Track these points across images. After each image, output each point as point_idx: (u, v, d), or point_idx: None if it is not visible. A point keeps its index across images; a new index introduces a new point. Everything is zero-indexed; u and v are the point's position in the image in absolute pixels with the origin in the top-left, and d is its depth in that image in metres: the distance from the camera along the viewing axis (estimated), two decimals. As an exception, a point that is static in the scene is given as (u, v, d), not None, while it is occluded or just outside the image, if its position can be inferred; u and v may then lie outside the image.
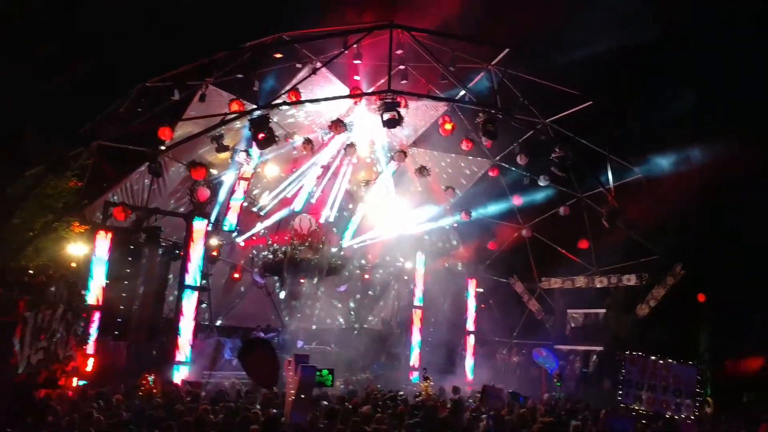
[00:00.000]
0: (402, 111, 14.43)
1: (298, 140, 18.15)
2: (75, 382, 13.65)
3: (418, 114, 17.27)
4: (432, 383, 16.50)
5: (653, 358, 14.93)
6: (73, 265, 15.34)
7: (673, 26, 17.35)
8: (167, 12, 15.04)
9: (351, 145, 18.30)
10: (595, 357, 20.03)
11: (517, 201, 19.89)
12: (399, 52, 14.64)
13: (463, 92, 15.92)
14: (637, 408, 13.98)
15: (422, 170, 19.17)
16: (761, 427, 11.29)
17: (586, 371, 20.04)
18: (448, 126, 16.23)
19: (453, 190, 20.08)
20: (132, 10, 14.65)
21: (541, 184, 18.26)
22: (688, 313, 18.26)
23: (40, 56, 13.16)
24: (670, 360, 14.97)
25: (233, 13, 16.16)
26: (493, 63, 15.86)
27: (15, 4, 13.01)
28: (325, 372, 11.87)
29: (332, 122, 16.46)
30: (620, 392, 14.40)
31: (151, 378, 13.46)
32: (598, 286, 20.83)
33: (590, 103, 16.30)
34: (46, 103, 13.45)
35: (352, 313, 23.68)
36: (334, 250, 21.78)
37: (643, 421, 12.57)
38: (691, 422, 13.87)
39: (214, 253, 19.09)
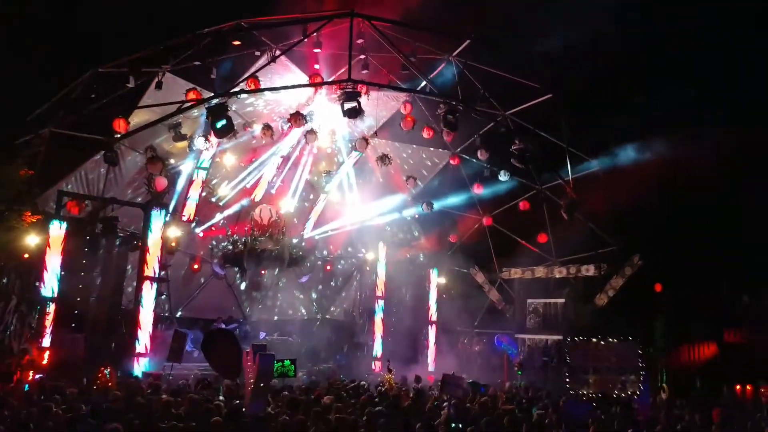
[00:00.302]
0: (363, 101, 14.36)
1: (257, 129, 17.92)
2: (31, 375, 13.29)
3: (379, 104, 17.20)
4: (394, 375, 16.60)
5: (594, 340, 15.00)
6: (26, 256, 14.88)
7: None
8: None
9: (311, 132, 18.04)
10: (554, 346, 20.40)
11: (478, 189, 20.00)
12: (360, 41, 14.58)
13: (424, 83, 15.95)
14: (585, 392, 14.05)
15: (384, 158, 19.08)
16: (714, 412, 11.62)
17: (545, 360, 20.39)
18: (410, 119, 16.26)
19: (414, 179, 20.14)
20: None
21: (501, 179, 18.49)
22: (645, 303, 18.72)
23: (40, 56, 12.85)
24: (611, 339, 15.07)
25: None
26: (454, 54, 15.94)
27: (15, 4, 12.62)
28: (287, 362, 11.78)
29: (292, 115, 16.30)
30: (567, 379, 14.44)
31: (107, 371, 13.18)
32: (557, 276, 21.14)
33: (550, 96, 16.54)
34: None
35: (315, 303, 23.63)
36: (295, 240, 21.63)
37: (594, 404, 12.85)
38: (644, 404, 14.24)
39: (173, 244, 18.74)
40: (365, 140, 18.25)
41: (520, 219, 20.83)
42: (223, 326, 19.87)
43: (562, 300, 20.84)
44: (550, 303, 21.43)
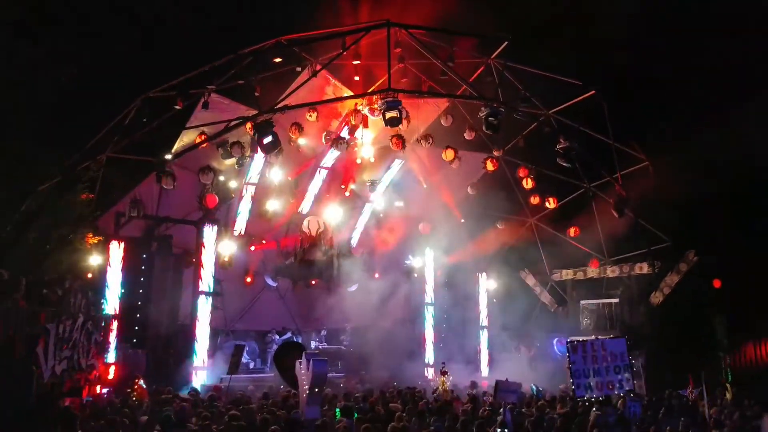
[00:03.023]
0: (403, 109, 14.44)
1: (302, 142, 18.21)
2: (98, 389, 13.91)
3: (420, 111, 17.28)
4: (448, 377, 16.57)
5: (589, 339, 13.71)
6: (90, 275, 15.56)
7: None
8: (165, 22, 15.24)
9: (341, 139, 17.88)
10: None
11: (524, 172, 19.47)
12: (397, 50, 14.67)
13: (464, 87, 15.91)
14: (588, 398, 12.82)
15: (426, 138, 18.58)
16: None
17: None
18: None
19: (459, 159, 19.56)
20: (129, 19, 14.86)
21: (548, 206, 18.34)
22: (704, 300, 18.11)
23: (67, 80, 13.45)
24: (601, 337, 13.89)
25: (231, 20, 16.31)
26: (492, 57, 15.88)
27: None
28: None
29: (333, 140, 16.80)
30: (573, 386, 13.25)
31: (141, 382, 13.68)
32: (610, 275, 20.73)
33: (593, 92, 16.25)
34: (52, 119, 13.69)
35: (365, 312, 23.74)
36: (343, 250, 21.87)
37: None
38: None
39: (226, 259, 19.24)
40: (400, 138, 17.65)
41: (570, 219, 20.51)
42: (277, 337, 20.26)
43: (616, 300, 20.41)
44: (603, 303, 21.01)
